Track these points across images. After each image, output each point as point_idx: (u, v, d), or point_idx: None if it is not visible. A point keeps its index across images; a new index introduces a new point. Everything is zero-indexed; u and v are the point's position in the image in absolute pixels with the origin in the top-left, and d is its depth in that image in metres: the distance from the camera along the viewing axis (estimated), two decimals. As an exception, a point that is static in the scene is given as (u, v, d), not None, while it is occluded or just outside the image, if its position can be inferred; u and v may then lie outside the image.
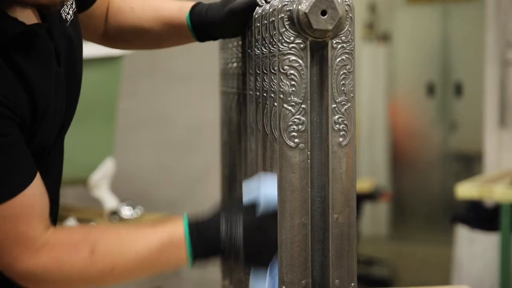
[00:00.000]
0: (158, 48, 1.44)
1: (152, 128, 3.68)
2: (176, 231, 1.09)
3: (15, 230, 1.05)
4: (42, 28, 1.11)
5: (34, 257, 1.05)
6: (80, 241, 1.08)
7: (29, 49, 1.08)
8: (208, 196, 3.63)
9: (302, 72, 1.07)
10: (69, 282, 1.09)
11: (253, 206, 1.10)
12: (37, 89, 1.08)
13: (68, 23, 1.19)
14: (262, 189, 1.11)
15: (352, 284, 1.12)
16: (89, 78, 2.74)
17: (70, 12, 1.19)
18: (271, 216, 1.09)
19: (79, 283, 1.09)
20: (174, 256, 1.09)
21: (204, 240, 1.09)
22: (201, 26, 1.29)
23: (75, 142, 2.75)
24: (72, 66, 1.20)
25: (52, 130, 1.15)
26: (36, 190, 1.07)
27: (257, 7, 1.21)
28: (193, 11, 1.30)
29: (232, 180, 1.51)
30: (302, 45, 1.07)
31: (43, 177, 1.11)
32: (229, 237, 1.08)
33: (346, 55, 1.08)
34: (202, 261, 1.10)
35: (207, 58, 3.33)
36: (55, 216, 1.29)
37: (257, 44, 1.19)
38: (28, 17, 1.10)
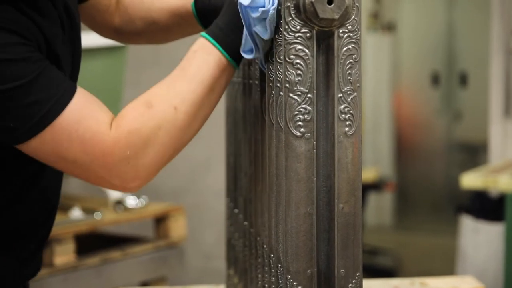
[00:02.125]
0: (167, 41, 1.45)
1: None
2: (204, 45, 1.13)
3: (89, 129, 1.08)
4: None
5: (115, 139, 1.08)
6: (137, 105, 1.10)
7: (36, 6, 1.13)
8: (212, 185, 3.63)
9: (308, 61, 1.07)
10: (154, 143, 1.10)
11: None
12: (48, 35, 1.13)
13: None
14: None
15: (358, 274, 1.12)
16: (93, 67, 2.75)
17: None
18: None
19: (164, 138, 1.11)
20: (213, 64, 1.12)
21: (226, 34, 1.13)
22: (205, 13, 1.30)
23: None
24: (74, 35, 1.24)
25: None
26: (83, 90, 1.11)
27: (263, -4, 1.20)
28: None
29: (237, 170, 1.51)
30: (308, 34, 1.06)
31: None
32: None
33: (353, 45, 1.08)
34: (236, 53, 1.13)
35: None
36: (56, 205, 1.30)
37: (263, 33, 1.19)
38: None
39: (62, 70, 1.17)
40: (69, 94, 1.08)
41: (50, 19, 1.15)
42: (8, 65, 1.04)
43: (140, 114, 1.09)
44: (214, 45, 1.13)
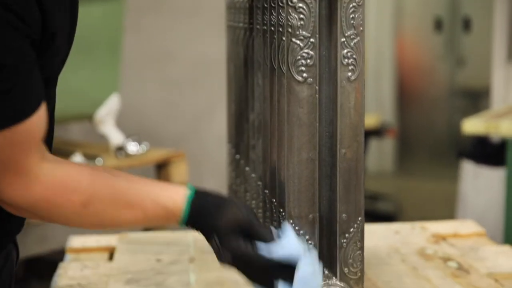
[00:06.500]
0: None
1: (157, 64, 3.66)
2: (175, 210, 1.09)
3: (14, 157, 1.03)
4: None
5: (26, 190, 1.04)
6: (75, 189, 1.07)
7: None
8: (213, 132, 3.63)
9: (311, 5, 1.05)
10: (55, 221, 1.11)
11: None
12: (49, 13, 1.05)
13: None
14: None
15: (359, 218, 1.12)
16: (92, 14, 2.72)
17: None
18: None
19: (65, 224, 1.11)
20: (166, 223, 1.11)
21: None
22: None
23: (80, 77, 2.74)
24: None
25: (57, 61, 1.13)
26: (40, 118, 1.05)
27: None
28: None
29: (238, 116, 1.51)
30: (310, -22, 1.05)
31: None
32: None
33: (356, -12, 1.06)
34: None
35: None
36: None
37: (264, -24, 1.17)
38: None
39: (55, 46, 1.09)
40: (24, 116, 1.01)
41: None
42: None
43: (67, 202, 1.06)
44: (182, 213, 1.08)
